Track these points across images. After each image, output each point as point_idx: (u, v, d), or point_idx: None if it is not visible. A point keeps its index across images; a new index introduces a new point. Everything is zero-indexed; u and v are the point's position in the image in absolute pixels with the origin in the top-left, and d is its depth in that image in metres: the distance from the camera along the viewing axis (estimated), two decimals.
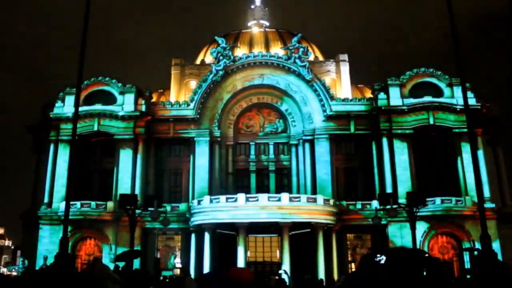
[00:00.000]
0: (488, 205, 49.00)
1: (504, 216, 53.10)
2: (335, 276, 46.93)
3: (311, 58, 64.86)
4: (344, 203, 54.35)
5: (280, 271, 45.96)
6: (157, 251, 55.24)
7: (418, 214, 36.52)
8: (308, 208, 50.29)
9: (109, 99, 56.96)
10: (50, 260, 36.15)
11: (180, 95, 66.87)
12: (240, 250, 49.81)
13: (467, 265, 47.96)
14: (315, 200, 51.07)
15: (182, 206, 54.99)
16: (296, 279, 41.10)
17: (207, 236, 51.65)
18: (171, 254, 55.55)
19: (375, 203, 48.92)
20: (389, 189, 51.71)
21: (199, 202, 52.11)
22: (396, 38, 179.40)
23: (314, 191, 54.17)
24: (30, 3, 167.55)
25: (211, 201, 51.24)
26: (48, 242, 51.67)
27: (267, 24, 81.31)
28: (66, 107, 55.70)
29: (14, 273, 62.95)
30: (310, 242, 51.17)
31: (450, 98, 54.59)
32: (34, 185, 58.53)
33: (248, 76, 58.61)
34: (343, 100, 58.17)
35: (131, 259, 21.44)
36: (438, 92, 55.58)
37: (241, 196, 50.54)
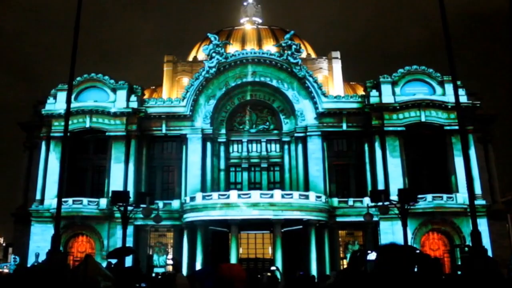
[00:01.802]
0: (479, 201, 49.19)
1: (494, 212, 53.44)
2: (327, 273, 47.07)
3: (304, 55, 64.84)
4: (336, 200, 54.52)
5: (272, 268, 46.01)
6: (149, 248, 55.32)
7: (410, 211, 36.65)
8: (300, 205, 50.40)
9: (101, 96, 56.79)
10: (42, 257, 36.07)
11: (173, 92, 66.73)
12: (233, 247, 49.90)
13: (458, 262, 48.22)
14: (307, 197, 51.19)
15: (175, 203, 54.93)
16: (289, 275, 41.22)
17: (199, 233, 51.73)
18: (164, 251, 55.50)
19: (366, 200, 48.92)
20: (381, 186, 51.90)
21: (191, 199, 52.14)
22: (389, 35, 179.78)
23: (306, 188, 54.28)
24: (21, 1, 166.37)
25: (203, 198, 51.25)
26: (40, 239, 51.32)
27: (260, 21, 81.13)
28: (58, 103, 55.45)
29: (6, 270, 62.61)
30: (302, 238, 51.37)
31: (442, 96, 54.88)
32: (26, 182, 58.21)
33: (240, 73, 58.49)
34: (335, 97, 58.24)
35: (123, 256, 21.44)
36: (430, 90, 55.85)
37: (233, 193, 50.61)
